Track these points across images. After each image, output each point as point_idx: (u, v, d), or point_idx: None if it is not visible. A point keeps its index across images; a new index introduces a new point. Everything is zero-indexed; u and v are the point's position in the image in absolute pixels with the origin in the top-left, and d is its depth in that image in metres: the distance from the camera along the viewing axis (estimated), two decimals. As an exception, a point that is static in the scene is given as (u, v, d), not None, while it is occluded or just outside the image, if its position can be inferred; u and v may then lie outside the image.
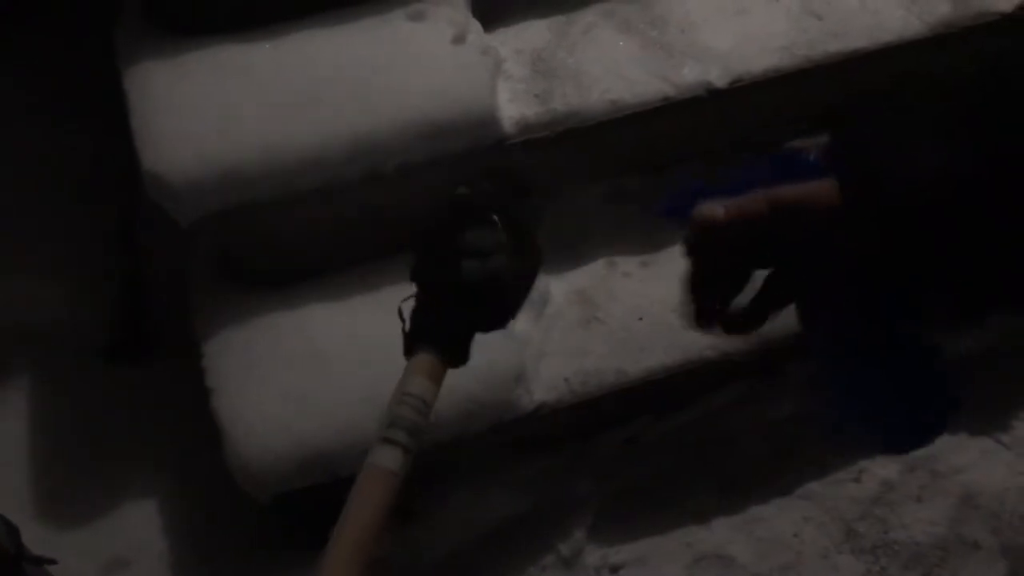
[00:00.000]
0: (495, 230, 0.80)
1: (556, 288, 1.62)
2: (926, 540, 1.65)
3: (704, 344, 1.58)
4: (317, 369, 1.47)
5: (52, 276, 1.75)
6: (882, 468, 1.71)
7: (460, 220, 0.80)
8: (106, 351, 1.74)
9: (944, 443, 1.74)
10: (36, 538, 1.12)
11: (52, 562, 1.12)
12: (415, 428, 0.72)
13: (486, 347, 1.49)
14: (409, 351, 0.77)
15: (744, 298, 0.69)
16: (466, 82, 1.51)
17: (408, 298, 0.79)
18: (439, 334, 0.77)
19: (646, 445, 1.69)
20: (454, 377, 1.47)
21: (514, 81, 1.60)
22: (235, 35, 1.54)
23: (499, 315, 0.82)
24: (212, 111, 1.46)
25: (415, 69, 1.52)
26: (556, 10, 1.70)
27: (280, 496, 1.46)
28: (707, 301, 0.69)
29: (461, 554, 1.59)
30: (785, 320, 1.68)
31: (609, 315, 1.60)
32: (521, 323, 1.55)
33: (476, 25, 1.59)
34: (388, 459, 0.70)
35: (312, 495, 1.46)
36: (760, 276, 0.69)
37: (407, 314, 0.79)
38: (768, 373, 1.68)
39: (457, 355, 0.78)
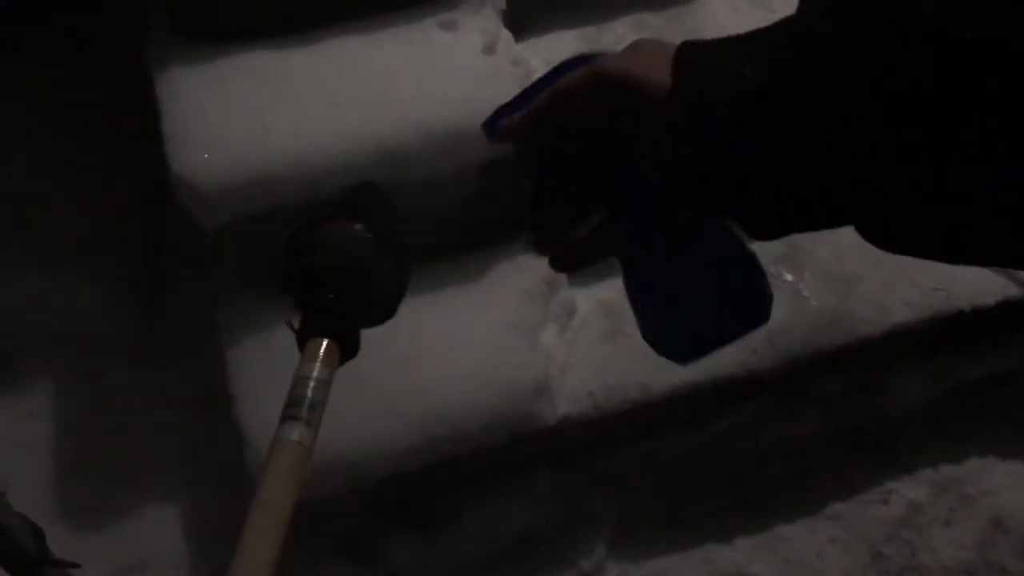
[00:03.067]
0: (354, 226, 0.85)
1: (582, 301, 1.61)
2: (954, 564, 1.62)
3: (730, 361, 1.56)
4: (344, 381, 1.46)
5: (76, 279, 1.76)
6: (910, 490, 1.69)
7: (320, 222, 0.86)
8: (129, 355, 1.74)
9: (974, 466, 1.72)
10: (55, 541, 1.13)
11: (75, 566, 1.12)
12: (313, 404, 0.77)
13: (510, 359, 1.49)
14: (302, 346, 0.82)
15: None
16: (496, 92, 1.51)
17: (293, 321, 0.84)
18: (322, 324, 0.81)
19: (669, 461, 1.67)
20: (476, 388, 1.47)
21: (543, 92, 1.59)
22: (266, 42, 1.54)
23: (376, 305, 0.87)
24: (241, 117, 1.47)
25: (445, 78, 1.51)
26: (587, 21, 1.70)
27: (300, 505, 1.45)
28: (545, 225, 0.66)
29: (481, 567, 1.58)
30: (809, 338, 1.66)
31: (634, 329, 1.58)
32: (546, 336, 1.54)
33: (507, 35, 1.58)
34: (290, 432, 0.74)
35: (333, 505, 1.46)
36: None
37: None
38: (792, 391, 1.66)
39: (345, 341, 0.82)
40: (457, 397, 1.46)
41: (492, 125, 0.68)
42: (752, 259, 0.63)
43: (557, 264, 0.71)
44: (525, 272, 1.56)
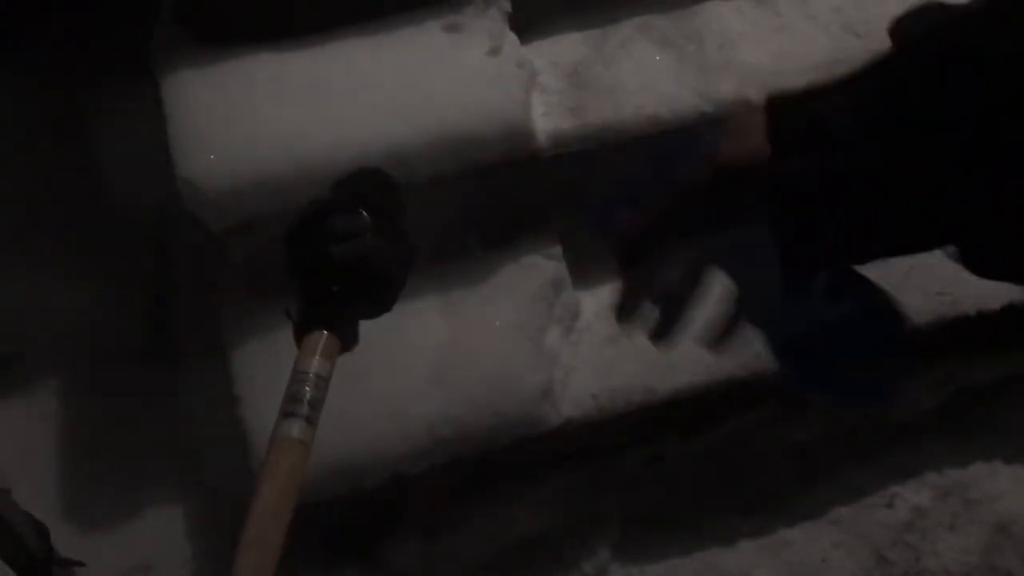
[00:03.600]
0: (358, 216, 0.85)
1: (586, 303, 1.61)
2: (958, 569, 1.62)
3: (734, 363, 1.56)
4: (344, 381, 1.46)
5: (80, 280, 1.76)
6: (915, 494, 1.68)
7: (324, 211, 0.85)
8: (133, 356, 1.75)
9: (979, 470, 1.72)
10: (60, 540, 1.13)
11: (80, 564, 1.12)
12: (313, 400, 0.77)
13: (514, 361, 1.49)
14: (299, 338, 0.81)
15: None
16: (501, 94, 1.51)
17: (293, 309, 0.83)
18: (322, 315, 0.81)
19: (673, 464, 1.67)
20: (481, 390, 1.47)
21: (549, 94, 1.60)
22: (271, 45, 1.54)
23: (377, 296, 0.86)
24: (247, 120, 1.47)
25: (450, 80, 1.52)
26: (592, 23, 1.70)
27: (304, 505, 1.45)
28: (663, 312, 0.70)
29: (484, 570, 1.58)
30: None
31: (638, 332, 1.58)
32: (550, 338, 1.54)
33: (512, 37, 1.59)
34: (290, 429, 0.74)
35: (336, 505, 1.46)
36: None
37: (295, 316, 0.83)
38: (797, 395, 1.66)
39: (345, 333, 0.82)
40: (461, 399, 1.46)
41: (597, 222, 0.69)
42: (886, 296, 0.66)
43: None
44: (530, 275, 1.56)
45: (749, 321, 0.71)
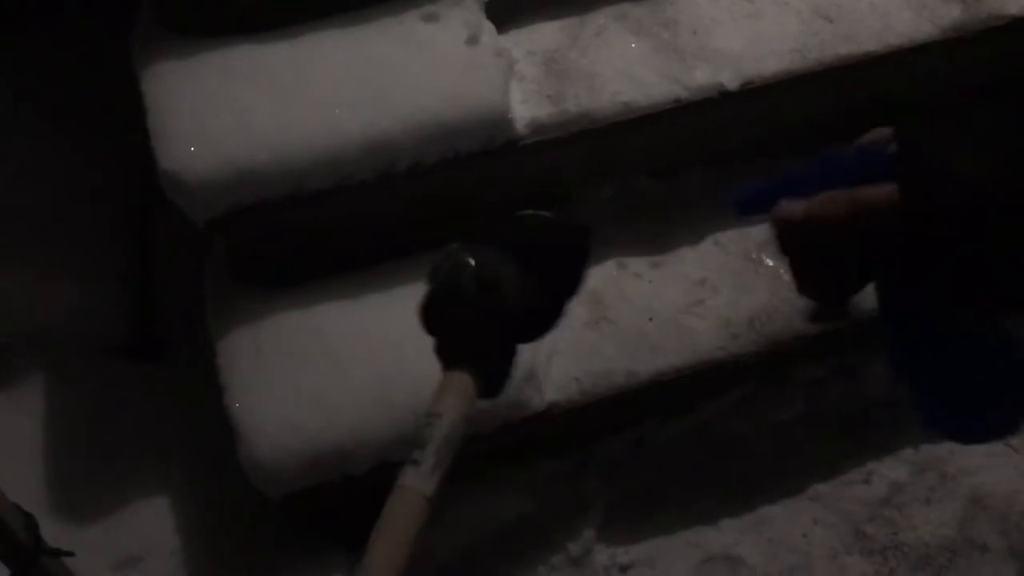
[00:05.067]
0: (565, 277, 0.83)
1: (567, 289, 1.62)
2: (935, 542, 1.65)
3: (714, 345, 1.58)
4: (330, 367, 1.47)
5: (65, 275, 1.76)
6: (891, 470, 1.71)
7: (548, 256, 0.82)
8: (119, 349, 1.75)
9: (953, 445, 1.74)
10: (50, 535, 1.13)
11: (69, 554, 1.13)
12: (438, 446, 0.72)
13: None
14: (447, 364, 0.75)
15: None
16: (479, 83, 1.52)
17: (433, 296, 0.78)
18: (482, 359, 0.75)
19: (655, 446, 1.69)
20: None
21: (527, 82, 1.61)
22: (250, 36, 1.55)
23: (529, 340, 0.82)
24: (227, 111, 1.47)
25: (428, 70, 1.53)
26: (568, 12, 1.71)
27: (292, 494, 1.47)
28: (817, 298, 0.68)
29: (470, 554, 1.60)
30: (792, 322, 1.68)
31: (619, 316, 1.60)
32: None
33: (489, 26, 1.60)
34: (419, 481, 0.70)
35: (324, 493, 1.47)
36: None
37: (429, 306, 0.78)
38: (776, 375, 1.68)
39: (492, 386, 0.76)
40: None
41: (750, 200, 0.68)
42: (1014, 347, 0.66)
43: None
44: (511, 261, 1.57)
45: (889, 363, 0.71)
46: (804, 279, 0.67)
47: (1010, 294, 0.59)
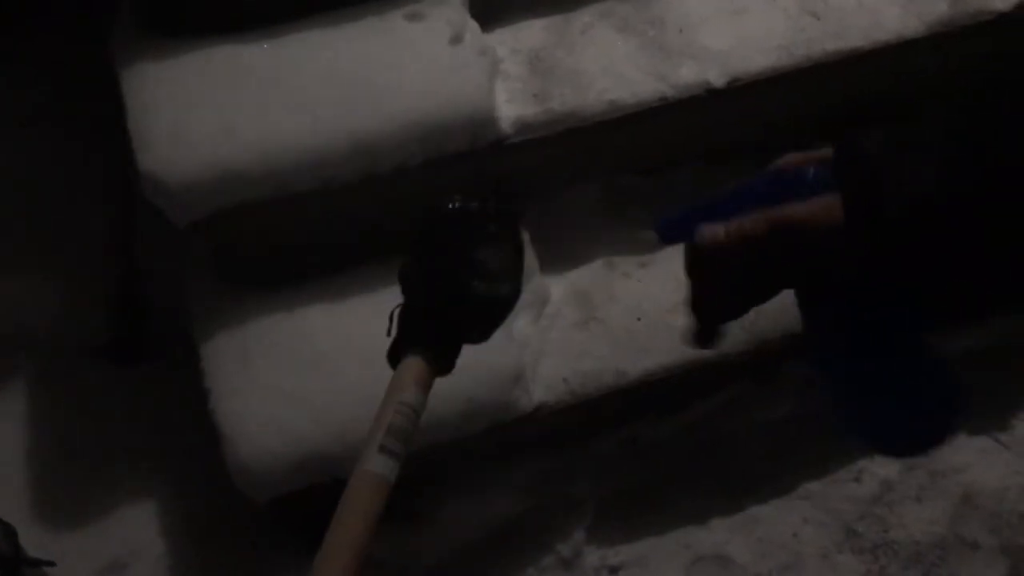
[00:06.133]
0: (502, 250, 0.81)
1: (555, 288, 1.62)
2: (926, 540, 1.65)
3: (703, 344, 1.57)
4: (315, 370, 1.46)
5: (49, 277, 1.75)
6: (881, 468, 1.71)
7: (468, 233, 0.80)
8: (103, 352, 1.73)
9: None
10: (34, 540, 1.12)
11: (50, 564, 1.12)
12: (406, 435, 0.73)
13: (484, 348, 1.50)
14: (397, 356, 0.77)
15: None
16: (464, 82, 1.51)
17: (400, 306, 0.79)
18: (432, 342, 0.76)
19: (645, 446, 1.68)
20: (453, 378, 1.47)
21: (512, 81, 1.60)
22: (232, 36, 1.53)
23: (488, 330, 0.82)
24: (209, 112, 1.46)
25: (413, 69, 1.52)
26: (554, 10, 1.70)
27: (279, 497, 1.46)
28: (709, 322, 0.69)
29: (460, 555, 1.59)
30: (782, 321, 1.68)
31: (608, 315, 1.60)
32: (520, 323, 1.54)
33: (474, 25, 1.59)
34: (381, 465, 0.70)
35: (309, 496, 1.46)
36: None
37: (395, 318, 0.78)
38: (766, 374, 1.68)
39: (445, 364, 0.78)
40: (434, 387, 1.46)
41: (672, 228, 0.69)
42: (948, 386, 0.66)
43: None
44: (498, 261, 1.56)
45: (810, 362, 0.71)
46: (708, 301, 0.67)
47: (960, 302, 0.58)
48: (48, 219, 1.80)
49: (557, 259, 1.64)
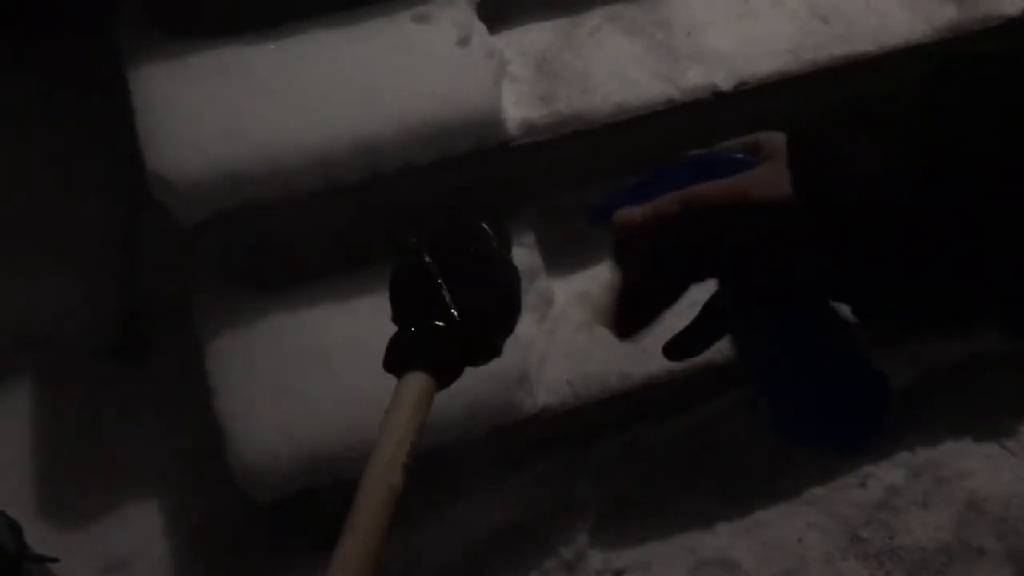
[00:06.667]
0: (511, 276, 0.79)
1: (560, 291, 1.62)
2: (931, 546, 1.64)
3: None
4: (319, 371, 1.46)
5: (51, 277, 1.75)
6: (887, 473, 1.70)
7: (488, 261, 0.79)
8: (106, 350, 1.74)
9: (949, 448, 1.74)
10: (37, 538, 1.12)
11: (54, 560, 1.12)
12: (413, 448, 0.72)
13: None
14: (403, 366, 0.75)
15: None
16: (470, 84, 1.51)
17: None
18: (439, 362, 0.75)
19: (649, 448, 1.68)
20: (457, 380, 1.47)
21: (519, 83, 1.60)
22: (239, 37, 1.53)
23: (486, 357, 0.80)
24: (216, 112, 1.46)
25: (419, 71, 1.51)
26: (561, 12, 1.70)
27: (280, 498, 1.45)
28: (632, 311, 0.66)
29: (463, 558, 1.59)
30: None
31: (613, 318, 1.59)
32: (525, 325, 1.54)
33: (481, 27, 1.59)
34: (401, 483, 0.70)
35: (312, 497, 1.46)
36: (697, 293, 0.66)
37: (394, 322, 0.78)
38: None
39: (447, 383, 0.76)
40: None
41: (598, 211, 0.67)
42: (867, 354, 0.64)
43: (671, 354, 0.72)
44: (503, 263, 1.56)
45: (737, 355, 0.69)
46: (632, 287, 0.65)
47: (912, 290, 0.56)
48: (49, 219, 1.80)
49: (562, 262, 1.63)
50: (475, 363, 0.78)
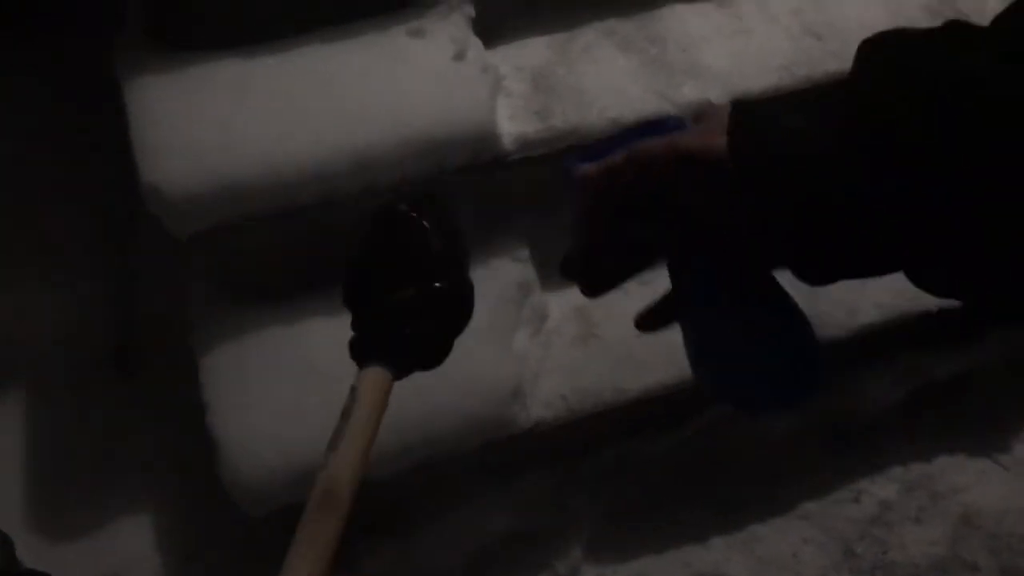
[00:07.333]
0: (439, 241, 0.80)
1: (554, 305, 1.62)
2: (925, 561, 1.64)
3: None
4: (313, 385, 1.46)
5: (47, 288, 1.75)
6: (881, 488, 1.71)
7: (452, 256, 0.80)
8: (100, 362, 1.73)
9: (943, 463, 1.74)
10: (29, 551, 1.11)
11: (45, 575, 1.11)
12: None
13: (483, 363, 1.50)
14: (362, 360, 0.75)
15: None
16: (466, 99, 1.52)
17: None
18: (393, 353, 0.75)
19: (643, 463, 1.68)
20: (451, 393, 1.47)
21: (514, 98, 1.61)
22: (236, 50, 1.54)
23: (439, 351, 0.81)
24: (211, 125, 1.46)
25: (415, 85, 1.52)
26: (556, 28, 1.71)
27: (274, 512, 1.45)
28: (596, 268, 0.71)
29: (457, 572, 1.58)
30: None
31: (607, 332, 1.60)
32: (519, 339, 1.54)
33: (476, 42, 1.59)
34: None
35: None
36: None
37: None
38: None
39: (403, 375, 0.76)
40: (430, 402, 1.46)
41: (568, 166, 0.70)
42: (806, 326, 0.67)
43: (642, 325, 0.77)
44: (498, 277, 1.57)
45: (677, 315, 0.72)
46: (594, 249, 0.69)
47: (844, 247, 0.58)
48: (46, 228, 1.79)
49: (557, 276, 1.63)
50: (428, 362, 0.78)
